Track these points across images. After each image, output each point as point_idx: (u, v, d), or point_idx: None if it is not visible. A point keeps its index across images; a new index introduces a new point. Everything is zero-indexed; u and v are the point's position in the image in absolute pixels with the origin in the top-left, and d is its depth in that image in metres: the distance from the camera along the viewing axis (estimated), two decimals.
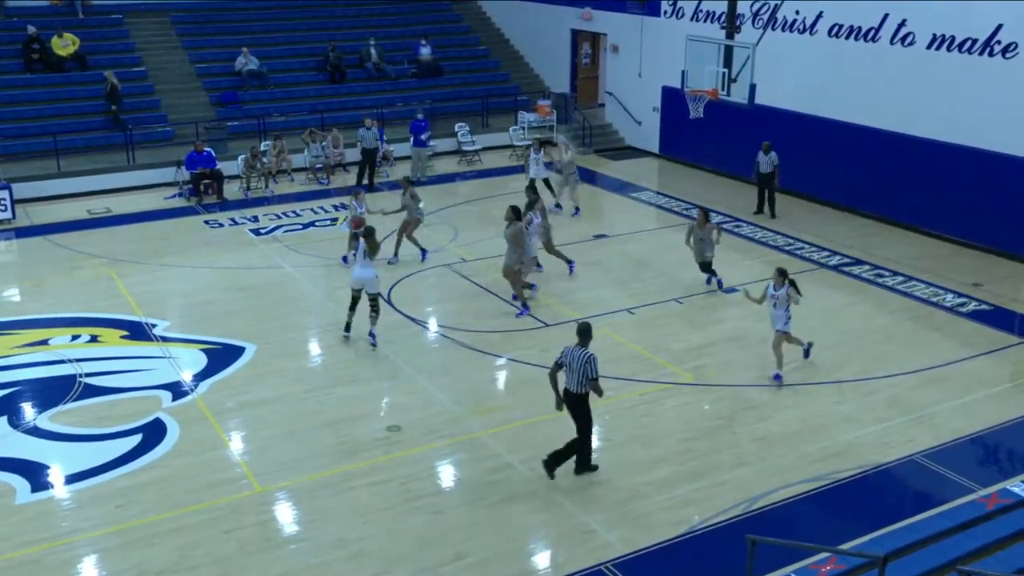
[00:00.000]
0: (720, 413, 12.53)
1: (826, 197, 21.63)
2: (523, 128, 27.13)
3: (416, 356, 14.22)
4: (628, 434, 11.81)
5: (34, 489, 10.78)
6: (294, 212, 21.30)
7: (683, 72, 18.83)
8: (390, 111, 26.63)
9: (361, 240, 14.21)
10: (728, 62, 17.97)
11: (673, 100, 23.91)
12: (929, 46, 19.18)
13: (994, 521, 9.88)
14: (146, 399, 12.79)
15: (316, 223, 20.49)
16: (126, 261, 18.06)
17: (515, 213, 15.40)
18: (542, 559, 9.73)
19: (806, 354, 13.61)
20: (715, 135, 23.42)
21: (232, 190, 22.56)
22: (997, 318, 15.57)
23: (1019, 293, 16.71)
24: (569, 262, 17.20)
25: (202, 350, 14.26)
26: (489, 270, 17.18)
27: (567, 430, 12.04)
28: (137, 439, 11.78)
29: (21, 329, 15.08)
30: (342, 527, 10.08)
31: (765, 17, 22.25)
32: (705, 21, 23.96)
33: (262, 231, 19.97)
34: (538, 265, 16.99)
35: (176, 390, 13.05)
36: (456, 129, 26.33)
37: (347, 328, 14.48)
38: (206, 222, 20.66)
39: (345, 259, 17.60)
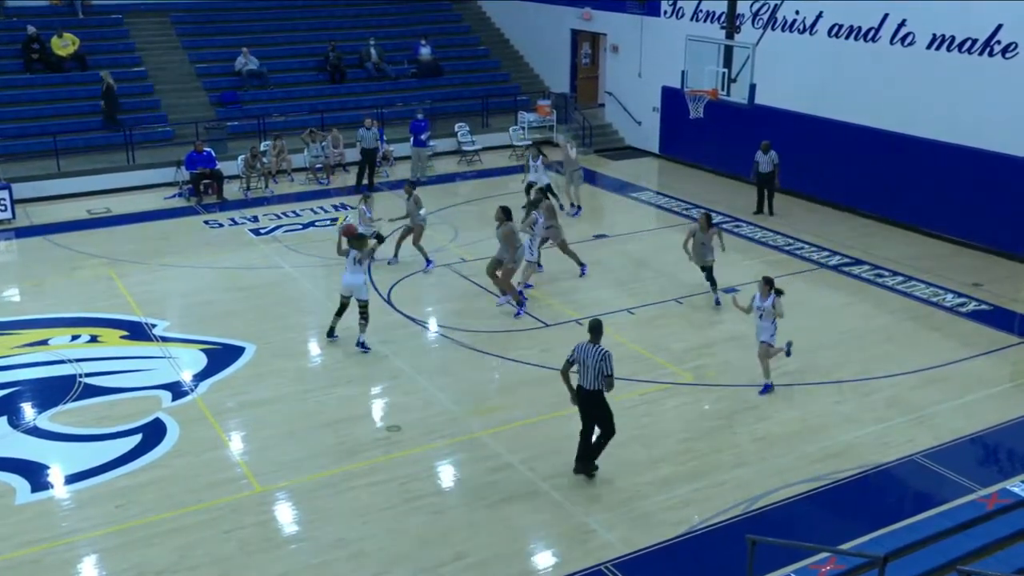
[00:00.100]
0: (720, 413, 12.53)
1: (826, 197, 21.63)
2: (523, 128, 27.14)
3: (416, 356, 14.22)
4: (628, 434, 11.79)
5: (34, 489, 10.78)
6: (294, 212, 21.30)
7: (683, 72, 18.84)
8: (390, 111, 26.63)
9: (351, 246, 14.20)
10: (728, 62, 17.98)
11: (673, 100, 23.91)
12: (929, 46, 19.18)
13: (994, 521, 9.88)
14: (146, 399, 12.79)
15: (316, 223, 20.49)
16: (126, 261, 18.06)
17: (505, 214, 15.32)
18: (542, 559, 9.73)
19: (788, 353, 13.25)
20: (715, 135, 23.42)
21: (232, 190, 22.57)
22: (997, 318, 15.57)
23: (1019, 293, 16.71)
24: (581, 264, 17.20)
25: (202, 350, 14.26)
26: None
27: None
28: (137, 439, 11.79)
29: (21, 329, 15.08)
30: (342, 527, 10.08)
31: (765, 17, 22.25)
32: (705, 21, 23.96)
33: (262, 231, 19.97)
34: (539, 265, 17.00)
35: (176, 390, 13.05)
36: (456, 129, 26.33)
37: (330, 333, 14.48)
38: (206, 222, 20.67)
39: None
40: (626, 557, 9.65)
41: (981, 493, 10.61)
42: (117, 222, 20.65)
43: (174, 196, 22.36)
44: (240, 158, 22.84)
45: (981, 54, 18.25)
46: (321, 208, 21.57)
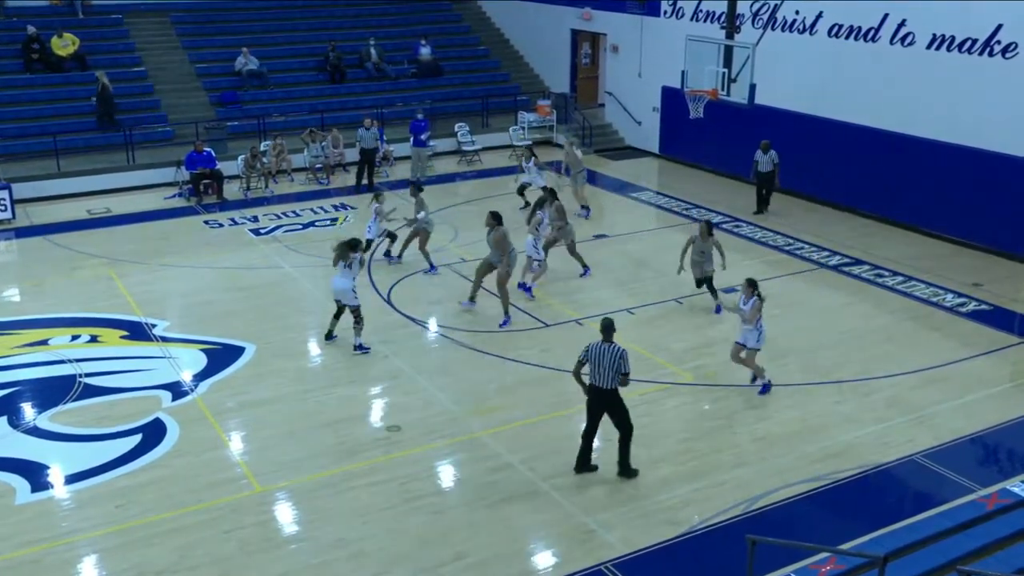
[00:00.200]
0: (720, 413, 12.53)
1: (826, 197, 21.63)
2: (523, 128, 27.14)
3: (416, 356, 14.22)
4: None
5: (34, 489, 10.78)
6: (294, 212, 21.31)
7: (683, 72, 18.84)
8: (390, 111, 26.64)
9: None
10: (728, 62, 17.98)
11: (673, 100, 23.91)
12: (929, 46, 19.18)
13: (994, 521, 9.89)
14: (146, 399, 12.79)
15: (316, 223, 20.50)
16: (126, 261, 18.06)
17: (496, 219, 15.22)
18: (542, 559, 9.73)
19: (757, 382, 13.01)
20: (715, 135, 23.42)
21: (232, 190, 22.57)
22: (997, 318, 15.57)
23: (1019, 293, 16.71)
24: (585, 267, 17.19)
25: (202, 350, 14.26)
26: None
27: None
28: (137, 439, 11.79)
29: (21, 329, 15.08)
30: (342, 527, 10.08)
31: (765, 17, 22.25)
32: (705, 21, 23.96)
33: (262, 231, 19.97)
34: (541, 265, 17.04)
35: (176, 390, 13.05)
36: (456, 129, 26.34)
37: (329, 335, 14.48)
38: (206, 222, 20.67)
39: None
40: (626, 557, 9.65)
41: (981, 493, 10.61)
42: (117, 222, 20.65)
43: (174, 196, 22.36)
44: (240, 158, 22.84)
45: (981, 54, 18.25)
46: (321, 208, 21.58)
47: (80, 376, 13.40)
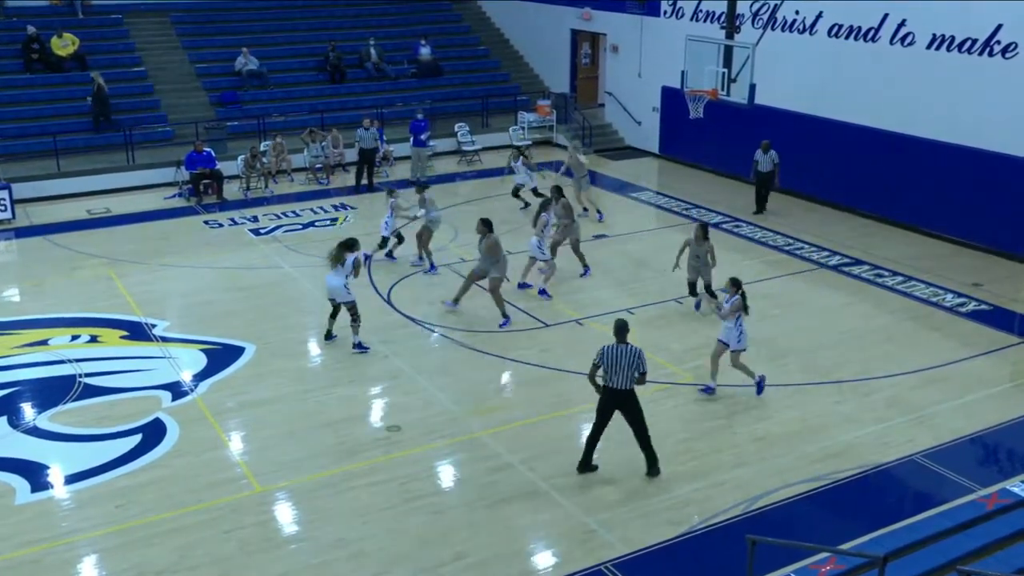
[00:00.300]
0: (720, 413, 12.53)
1: (826, 197, 21.63)
2: (523, 128, 27.15)
3: (416, 356, 14.22)
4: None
5: (34, 489, 10.78)
6: (294, 212, 21.31)
7: (683, 72, 18.84)
8: (390, 111, 26.64)
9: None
10: (728, 62, 17.98)
11: (673, 100, 23.91)
12: (929, 46, 19.18)
13: (994, 521, 9.88)
14: (146, 399, 12.79)
15: (316, 223, 20.50)
16: (126, 261, 18.06)
17: (487, 226, 15.13)
18: (542, 559, 9.73)
19: (706, 390, 12.95)
20: (715, 135, 23.43)
21: (232, 190, 22.57)
22: (997, 318, 15.57)
23: (1019, 293, 16.71)
24: (586, 267, 17.19)
25: (202, 350, 14.26)
26: None
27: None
28: (137, 439, 11.79)
29: (21, 329, 15.08)
30: (342, 527, 10.08)
31: (765, 17, 22.25)
32: (705, 21, 23.97)
33: (262, 231, 19.97)
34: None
35: (176, 390, 13.05)
36: (456, 129, 26.34)
37: (328, 335, 14.49)
38: (206, 222, 20.67)
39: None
40: (626, 557, 9.65)
41: (981, 493, 10.61)
42: (117, 222, 20.65)
43: (174, 196, 22.36)
44: (240, 158, 22.84)
45: (981, 54, 18.25)
46: (321, 208, 21.58)
47: (80, 376, 13.40)
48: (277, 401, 12.80)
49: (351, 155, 23.81)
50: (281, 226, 20.30)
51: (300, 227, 20.26)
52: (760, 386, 12.91)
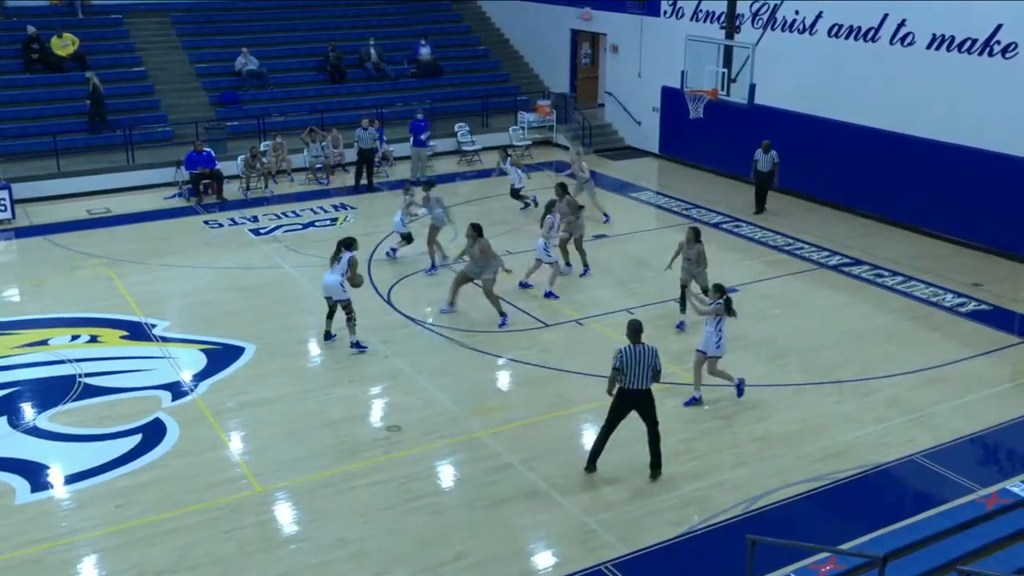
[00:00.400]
0: (720, 413, 12.53)
1: (826, 197, 21.63)
2: (523, 128, 27.14)
3: (416, 356, 14.22)
4: (628, 434, 11.76)
5: (34, 489, 10.78)
6: (294, 212, 21.31)
7: (683, 72, 18.84)
8: (390, 111, 26.64)
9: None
10: (728, 62, 17.98)
11: (673, 100, 23.91)
12: (929, 46, 19.18)
13: (994, 521, 9.88)
14: (146, 399, 12.79)
15: (316, 223, 20.50)
16: (126, 261, 18.06)
17: (476, 231, 15.07)
18: (542, 559, 9.73)
19: (691, 401, 12.70)
20: (715, 135, 23.43)
21: (232, 190, 22.57)
22: (997, 318, 15.57)
23: (1019, 293, 16.71)
24: (586, 266, 17.20)
25: (202, 350, 14.26)
26: None
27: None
28: (137, 439, 11.78)
29: (21, 329, 15.08)
30: (342, 527, 10.08)
31: (765, 17, 22.25)
32: (705, 21, 23.97)
33: (262, 231, 19.97)
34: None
35: (176, 390, 13.05)
36: (456, 129, 26.34)
37: (327, 336, 14.50)
38: (206, 222, 20.67)
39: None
40: (626, 557, 9.64)
41: (981, 493, 10.61)
42: (117, 222, 20.65)
43: (174, 196, 22.36)
44: (240, 158, 22.84)
45: (981, 54, 18.25)
46: (321, 208, 21.58)
47: (80, 376, 13.40)
48: (277, 401, 12.80)
49: (351, 155, 23.80)
50: (281, 226, 20.30)
51: (300, 227, 20.26)
52: (740, 388, 12.78)
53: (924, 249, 18.89)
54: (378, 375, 13.65)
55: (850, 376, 13.51)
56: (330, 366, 13.94)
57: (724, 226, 20.29)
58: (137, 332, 14.91)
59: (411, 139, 24.20)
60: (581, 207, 17.33)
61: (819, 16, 21.38)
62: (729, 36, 19.50)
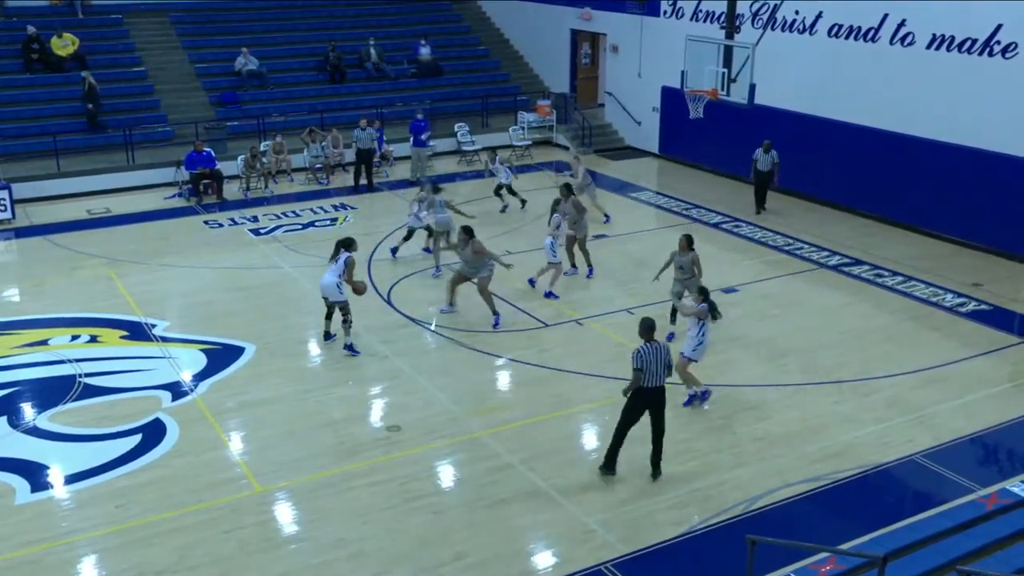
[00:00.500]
0: (720, 413, 12.53)
1: (826, 197, 21.63)
2: (523, 128, 27.14)
3: (416, 356, 14.22)
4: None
5: (34, 489, 10.78)
6: (294, 212, 21.31)
7: (683, 72, 18.85)
8: (390, 111, 26.64)
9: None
10: (728, 62, 17.99)
11: (673, 100, 23.91)
12: (929, 46, 19.18)
13: (994, 521, 9.88)
14: (146, 399, 12.79)
15: (316, 223, 20.50)
16: (126, 261, 18.06)
17: (467, 233, 15.02)
18: (542, 559, 9.73)
19: (691, 400, 12.66)
20: (715, 135, 23.43)
21: (232, 190, 22.57)
22: (997, 318, 15.57)
23: (1019, 293, 16.71)
24: (590, 266, 17.21)
25: (202, 350, 14.26)
26: None
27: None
28: (137, 439, 11.78)
29: (21, 329, 15.08)
30: (342, 527, 10.08)
31: (765, 17, 22.25)
32: (705, 21, 23.97)
33: (262, 231, 19.97)
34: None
35: (176, 390, 13.05)
36: (456, 129, 26.34)
37: (326, 336, 14.50)
38: (206, 222, 20.67)
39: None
40: (626, 557, 9.64)
41: (981, 493, 10.61)
42: (117, 222, 20.65)
43: (174, 196, 22.36)
44: (240, 158, 22.85)
45: (981, 54, 18.25)
46: (321, 208, 21.58)
47: (80, 376, 13.40)
48: (277, 401, 12.80)
49: (351, 155, 23.80)
50: (281, 226, 20.30)
51: (300, 227, 20.26)
52: (704, 396, 12.63)
53: (924, 249, 18.89)
54: (378, 375, 13.65)
55: (850, 376, 13.51)
56: (330, 366, 13.94)
57: (724, 226, 20.29)
58: (137, 332, 14.91)
59: (411, 139, 24.20)
60: (583, 209, 17.34)
61: (819, 16, 21.38)
62: (729, 36, 19.51)
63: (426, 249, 18.13)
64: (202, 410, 12.51)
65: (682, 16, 24.79)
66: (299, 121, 25.53)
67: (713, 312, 12.23)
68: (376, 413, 12.79)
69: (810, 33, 21.66)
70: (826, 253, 18.61)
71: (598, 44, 29.51)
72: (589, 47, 29.89)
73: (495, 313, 15.08)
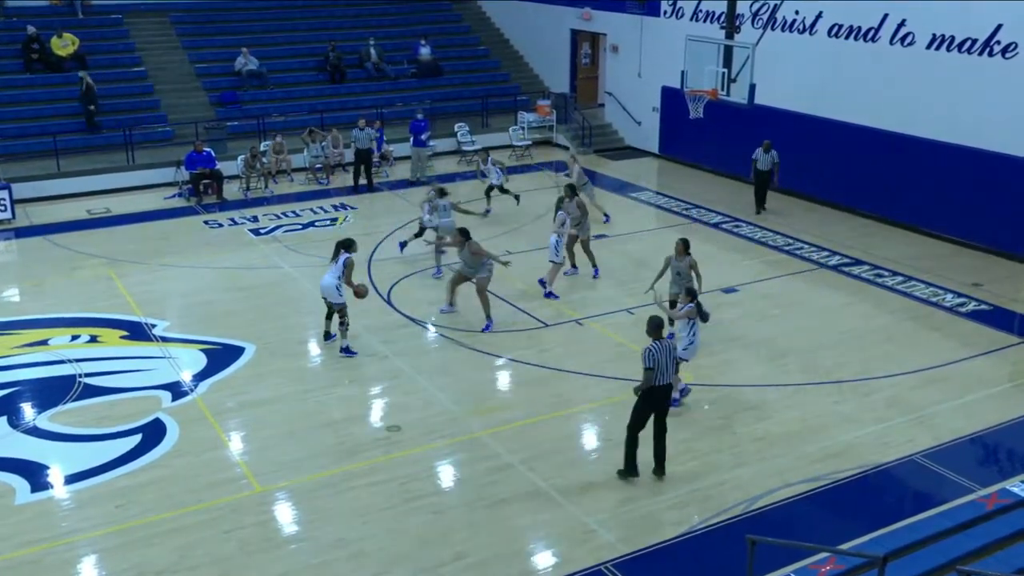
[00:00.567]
0: (720, 413, 12.53)
1: (826, 197, 21.63)
2: (523, 128, 27.14)
3: (416, 356, 14.22)
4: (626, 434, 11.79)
5: (34, 489, 10.78)
6: (294, 212, 21.31)
7: (683, 72, 18.84)
8: (390, 111, 26.64)
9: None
10: (728, 62, 17.99)
11: (673, 100, 23.91)
12: (929, 46, 19.18)
13: (994, 521, 9.88)
14: (146, 399, 12.79)
15: (316, 223, 20.50)
16: (126, 261, 18.06)
17: (464, 235, 15.03)
18: (542, 559, 9.73)
19: (679, 396, 12.45)
20: (715, 135, 23.43)
21: (232, 190, 22.57)
22: (997, 318, 15.57)
23: (1019, 293, 16.71)
24: (595, 267, 17.22)
25: (202, 350, 14.26)
26: None
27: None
28: (137, 439, 11.78)
29: (21, 329, 15.08)
30: (342, 527, 10.08)
31: (765, 17, 22.25)
32: (705, 21, 23.97)
33: (262, 231, 19.97)
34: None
35: (176, 390, 13.05)
36: (456, 129, 26.35)
37: (326, 336, 14.51)
38: (206, 222, 20.67)
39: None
40: (626, 557, 9.64)
41: (981, 493, 10.61)
42: (117, 222, 20.65)
43: (174, 196, 22.36)
44: (240, 158, 22.84)
45: (981, 54, 18.25)
46: (321, 208, 21.58)
47: (80, 376, 13.40)
48: (277, 401, 12.80)
49: (351, 155, 23.79)
50: (281, 226, 20.30)
51: (300, 227, 20.26)
52: (684, 391, 12.60)
53: (924, 249, 18.89)
54: (378, 375, 13.65)
55: (850, 376, 13.51)
56: (330, 366, 13.94)
57: (724, 226, 20.29)
58: (137, 332, 14.91)
59: (411, 139, 24.19)
60: (587, 210, 17.34)
61: (819, 16, 21.38)
62: (729, 36, 19.50)
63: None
64: (202, 410, 12.51)
65: (682, 16, 24.79)
66: (299, 121, 25.53)
67: (701, 313, 12.18)
68: (376, 413, 12.79)
69: (810, 33, 21.66)
70: (826, 253, 18.61)
71: (598, 44, 29.51)
72: (589, 47, 29.89)
73: (488, 318, 15.04)
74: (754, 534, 8.62)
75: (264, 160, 23.10)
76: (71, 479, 10.97)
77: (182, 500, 10.53)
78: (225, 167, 22.60)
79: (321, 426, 12.15)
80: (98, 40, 26.66)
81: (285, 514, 10.45)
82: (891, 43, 19.90)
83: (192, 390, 13.05)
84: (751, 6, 22.67)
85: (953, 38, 18.71)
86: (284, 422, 12.24)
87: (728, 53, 18.06)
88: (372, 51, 28.50)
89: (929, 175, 19.42)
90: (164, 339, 14.66)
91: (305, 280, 17.07)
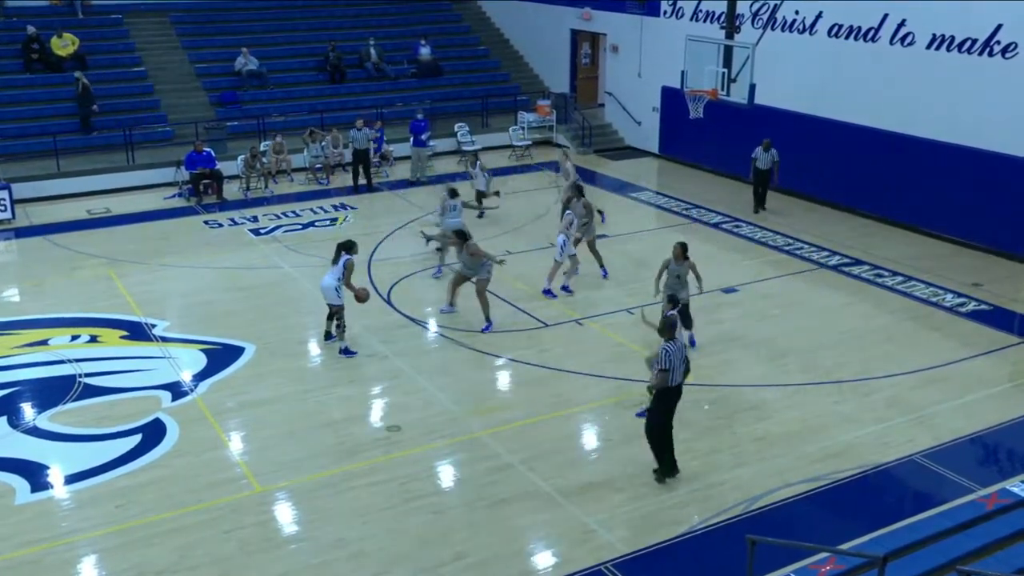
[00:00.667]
0: (720, 413, 12.53)
1: (826, 197, 21.63)
2: (523, 128, 27.14)
3: (416, 356, 14.22)
4: (628, 433, 11.80)
5: (34, 489, 10.78)
6: (294, 212, 21.31)
7: (683, 72, 18.85)
8: (390, 111, 26.64)
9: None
10: (728, 62, 18.00)
11: (673, 100, 23.91)
12: (929, 46, 19.18)
13: (994, 521, 9.88)
14: (146, 399, 12.79)
15: (316, 223, 20.50)
16: (126, 261, 18.06)
17: (461, 236, 15.04)
18: (542, 559, 9.73)
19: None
20: (715, 135, 23.43)
21: (232, 190, 22.57)
22: (997, 318, 15.57)
23: (1019, 293, 16.71)
24: (603, 267, 17.21)
25: (202, 350, 14.26)
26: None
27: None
28: (137, 439, 11.78)
29: (21, 329, 15.08)
30: (342, 527, 10.08)
31: (765, 17, 22.25)
32: (705, 21, 23.97)
33: (262, 231, 19.97)
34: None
35: (176, 390, 13.05)
36: (456, 129, 26.35)
37: (327, 336, 14.51)
38: (206, 222, 20.67)
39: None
40: (626, 557, 9.64)
41: (981, 493, 10.61)
42: (117, 222, 20.65)
43: (174, 196, 22.36)
44: (240, 158, 22.84)
45: (981, 54, 18.25)
46: (321, 208, 21.58)
47: (80, 376, 13.40)
48: (277, 401, 12.80)
49: (351, 155, 23.80)
50: (281, 226, 20.30)
51: (300, 227, 20.26)
52: (641, 415, 12.36)
53: (924, 249, 18.89)
54: (378, 375, 13.65)
55: (850, 376, 13.51)
56: (330, 366, 13.94)
57: (724, 226, 20.29)
58: (137, 332, 14.91)
59: (411, 139, 24.19)
60: (592, 212, 17.31)
61: (819, 16, 21.38)
62: (729, 36, 19.51)
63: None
64: (202, 410, 12.51)
65: (682, 16, 24.79)
66: (299, 121, 25.54)
67: (685, 321, 12.20)
68: (376, 413, 12.79)
69: (810, 33, 21.66)
70: (826, 253, 18.61)
71: (598, 44, 29.51)
72: (589, 47, 29.89)
73: (487, 320, 15.04)
74: (754, 534, 8.62)
75: (264, 160, 23.10)
76: (71, 479, 10.97)
77: (182, 500, 10.54)
78: (225, 167, 22.60)
79: (321, 426, 12.15)
80: (98, 40, 26.66)
81: (285, 514, 10.45)
82: (891, 43, 19.90)
83: (192, 390, 13.05)
84: (751, 6, 22.67)
85: (953, 38, 18.71)
86: (284, 422, 12.24)
87: (728, 53, 18.07)
88: (372, 51, 28.49)
89: (929, 175, 19.42)
90: (164, 339, 14.66)
91: (305, 280, 17.07)
